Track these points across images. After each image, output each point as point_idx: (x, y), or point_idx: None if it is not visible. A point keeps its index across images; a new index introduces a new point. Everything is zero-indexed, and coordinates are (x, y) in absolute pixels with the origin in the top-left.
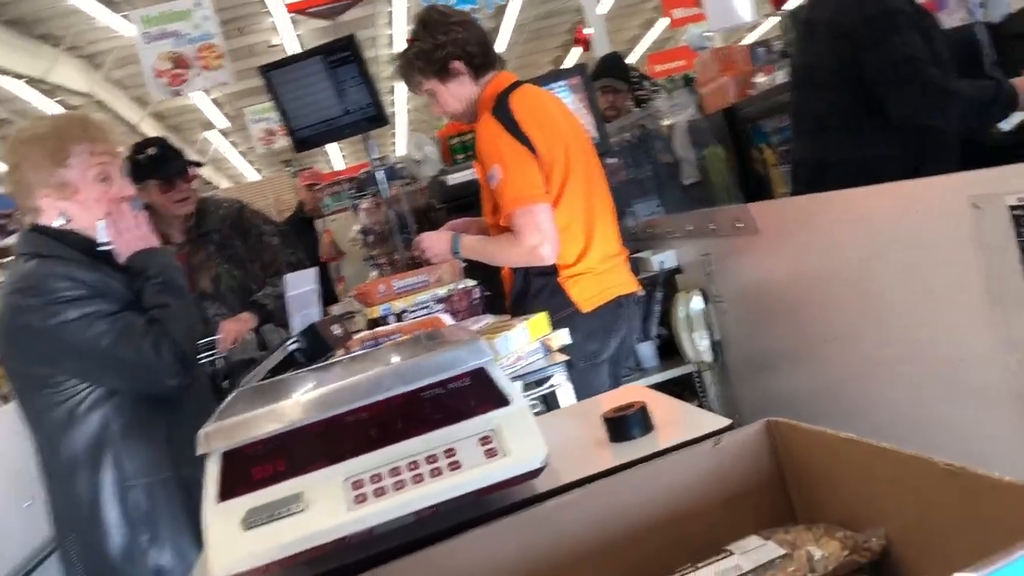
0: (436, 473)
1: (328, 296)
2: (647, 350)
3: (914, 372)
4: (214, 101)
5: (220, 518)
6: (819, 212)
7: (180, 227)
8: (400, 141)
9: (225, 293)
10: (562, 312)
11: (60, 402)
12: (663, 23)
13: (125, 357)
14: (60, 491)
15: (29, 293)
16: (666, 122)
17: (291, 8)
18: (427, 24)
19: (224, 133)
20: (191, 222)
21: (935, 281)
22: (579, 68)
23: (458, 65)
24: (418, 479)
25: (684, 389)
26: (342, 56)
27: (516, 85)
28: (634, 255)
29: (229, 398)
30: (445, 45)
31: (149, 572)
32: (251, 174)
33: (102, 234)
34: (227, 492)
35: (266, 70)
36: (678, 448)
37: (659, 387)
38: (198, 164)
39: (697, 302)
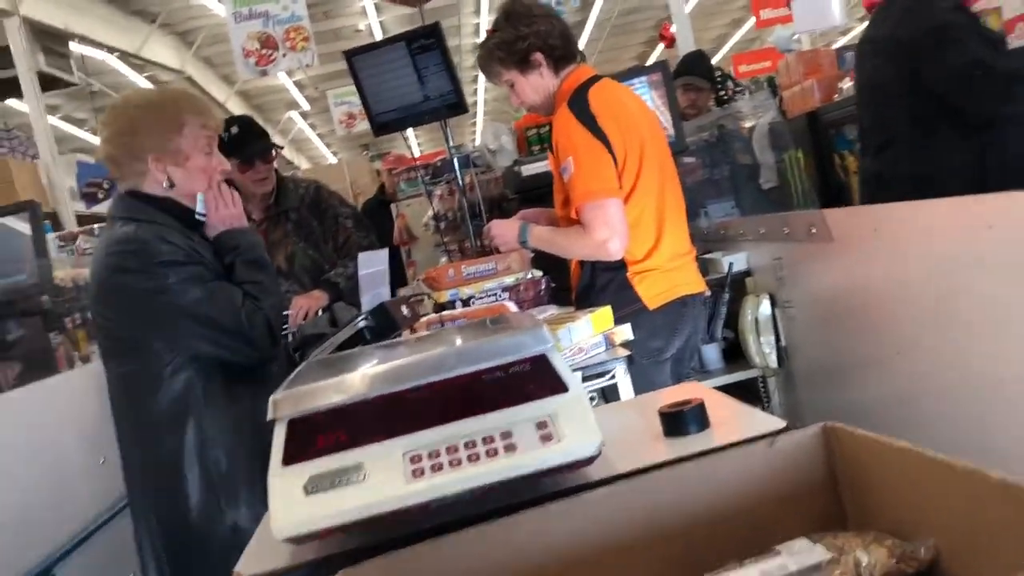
0: (492, 454)
1: (399, 279)
2: (712, 352)
3: (982, 391)
4: (297, 83)
5: (284, 482)
6: (895, 222)
7: (259, 205)
8: (479, 130)
9: (299, 271)
10: (627, 308)
11: (147, 365)
12: (750, 23)
13: (221, 323)
14: (139, 451)
15: (129, 256)
16: (747, 123)
17: None
18: (510, 15)
19: (305, 115)
20: (270, 200)
21: (1010, 299)
22: (660, 65)
23: (539, 57)
24: (474, 458)
25: (748, 394)
26: (426, 43)
27: (595, 79)
28: (704, 255)
29: (299, 368)
30: (527, 36)
31: (226, 531)
32: (330, 156)
33: (201, 205)
34: (291, 457)
35: (350, 55)
36: (733, 447)
37: (722, 390)
38: (279, 147)
39: (766, 306)
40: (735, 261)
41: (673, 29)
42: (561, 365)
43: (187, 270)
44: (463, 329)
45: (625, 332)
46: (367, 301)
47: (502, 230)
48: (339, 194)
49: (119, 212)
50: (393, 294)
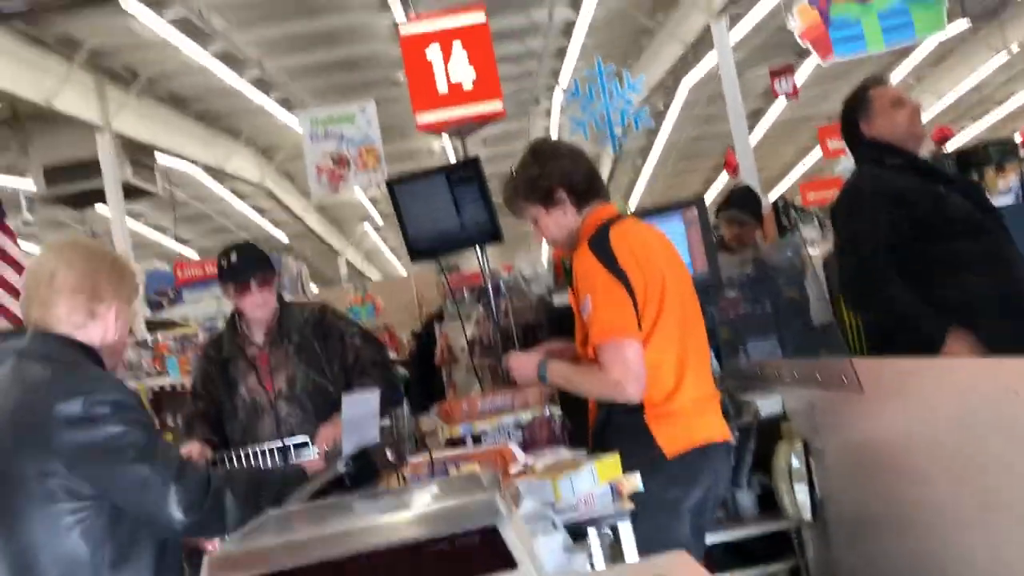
0: None
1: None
2: (746, 499)
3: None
4: (371, 198)
5: None
6: (923, 377)
7: (261, 328)
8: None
9: (300, 395)
10: (643, 454)
11: (57, 511)
12: (818, 151)
13: (146, 472)
14: None
15: (73, 391)
16: (813, 251)
17: (421, 128)
18: (536, 153)
19: (378, 228)
20: (272, 323)
21: None
22: (696, 201)
23: (562, 194)
24: None
25: (783, 546)
26: (465, 175)
27: (618, 218)
28: (739, 395)
29: (259, 519)
30: (551, 174)
31: None
32: (401, 269)
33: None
34: None
35: (392, 183)
36: None
37: (755, 542)
38: (274, 274)
39: (799, 453)
40: (769, 404)
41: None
42: (512, 539)
43: (131, 414)
44: (425, 490)
45: (634, 482)
46: (349, 445)
47: (521, 364)
48: (346, 315)
49: (54, 353)
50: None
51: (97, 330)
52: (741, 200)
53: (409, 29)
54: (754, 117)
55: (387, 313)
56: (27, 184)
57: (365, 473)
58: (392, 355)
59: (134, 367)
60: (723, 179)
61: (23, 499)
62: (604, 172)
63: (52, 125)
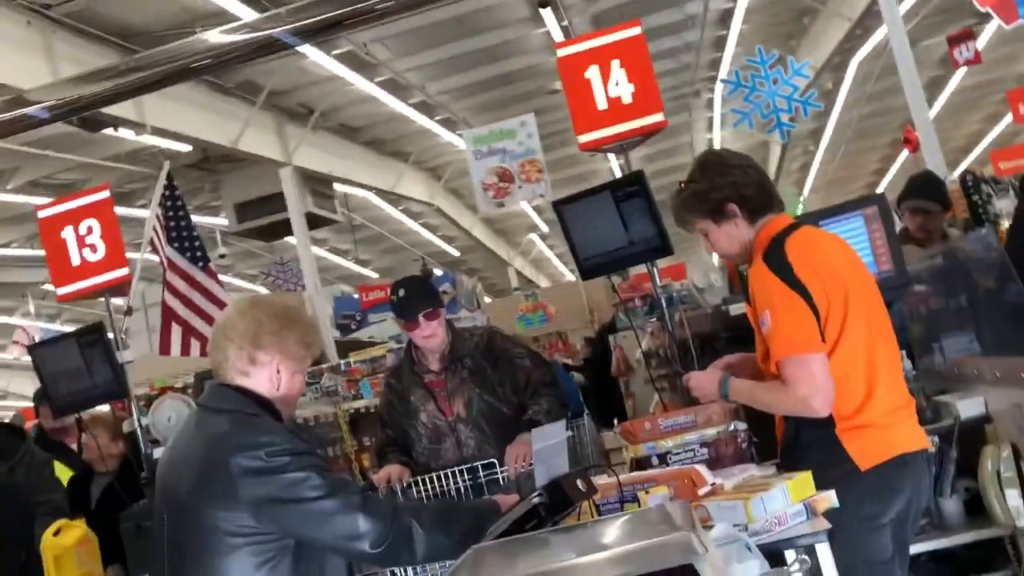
0: None
1: (617, 412)
2: (952, 506)
3: None
4: (536, 208)
5: None
6: None
7: (435, 356)
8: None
9: (476, 417)
10: (837, 468)
11: (247, 552)
12: (1008, 117)
13: (331, 508)
14: None
15: (250, 445)
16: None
17: (583, 147)
18: (704, 166)
19: (544, 236)
20: (445, 350)
21: None
22: (875, 198)
23: (733, 207)
24: None
25: (996, 553)
26: (630, 191)
27: (793, 228)
28: (936, 397)
29: (465, 555)
30: (721, 188)
31: None
32: (568, 275)
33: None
34: None
35: (558, 204)
36: None
37: (965, 549)
38: (440, 305)
39: (1008, 458)
40: (970, 406)
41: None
42: (710, 574)
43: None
44: (617, 526)
45: (829, 499)
46: (541, 475)
47: (701, 382)
48: (513, 337)
49: (229, 404)
50: (610, 423)
51: (262, 379)
52: (923, 188)
53: (566, 51)
54: (933, 88)
55: (559, 319)
56: (220, 221)
57: (558, 503)
58: (567, 360)
59: (330, 392)
60: (903, 156)
61: (215, 544)
62: (773, 160)
63: (239, 165)
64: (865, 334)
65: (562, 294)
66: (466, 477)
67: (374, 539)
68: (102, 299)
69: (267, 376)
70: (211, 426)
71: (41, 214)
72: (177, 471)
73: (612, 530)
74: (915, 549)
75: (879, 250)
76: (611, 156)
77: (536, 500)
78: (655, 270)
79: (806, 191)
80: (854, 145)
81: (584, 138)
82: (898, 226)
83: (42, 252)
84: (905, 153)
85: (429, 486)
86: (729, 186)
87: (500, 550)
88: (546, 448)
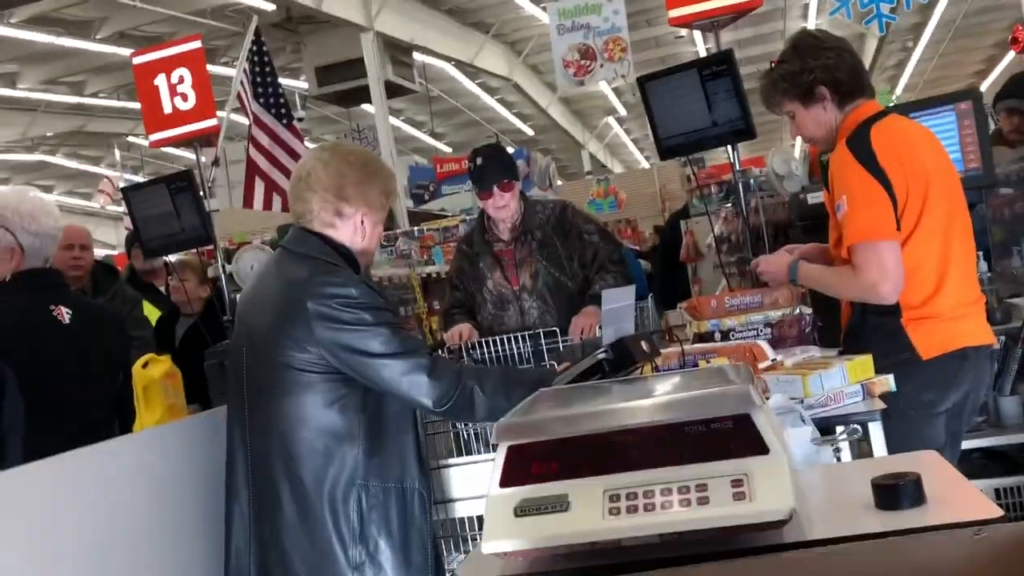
0: (685, 503)
1: (680, 299)
2: (1010, 405)
3: None
4: (615, 89)
5: (498, 502)
6: None
7: (506, 226)
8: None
9: (541, 288)
10: (898, 355)
11: (319, 390)
12: None
13: (400, 367)
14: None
15: (327, 293)
16: None
17: (672, 22)
18: (798, 46)
19: (621, 120)
20: (516, 221)
21: None
22: (970, 93)
23: (823, 90)
24: (668, 505)
25: None
26: (718, 70)
27: (881, 115)
28: (1010, 299)
29: (532, 396)
30: (813, 69)
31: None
32: (643, 161)
33: None
34: (507, 481)
35: (643, 80)
36: (939, 528)
37: (1018, 450)
38: (515, 177)
39: None
40: None
41: None
42: (765, 426)
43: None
44: (681, 377)
45: (887, 383)
46: (608, 335)
47: (771, 265)
48: (585, 213)
49: (312, 250)
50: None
51: (347, 231)
52: (1021, 87)
53: None
54: None
55: (629, 206)
56: (301, 84)
57: (623, 362)
58: (634, 247)
59: (404, 256)
60: (1008, 58)
61: (290, 380)
62: (868, 55)
63: (321, 27)
64: (942, 227)
65: (635, 181)
66: (528, 343)
67: (437, 398)
68: (185, 155)
69: (352, 227)
70: (291, 270)
71: (135, 60)
72: (257, 309)
73: (672, 381)
74: (968, 444)
75: (968, 147)
76: (697, 39)
77: (601, 355)
78: (736, 153)
79: (899, 90)
80: (955, 44)
81: (675, 12)
82: (992, 128)
83: (129, 104)
84: (1011, 55)
85: (492, 349)
86: (821, 68)
87: (561, 392)
88: (615, 310)
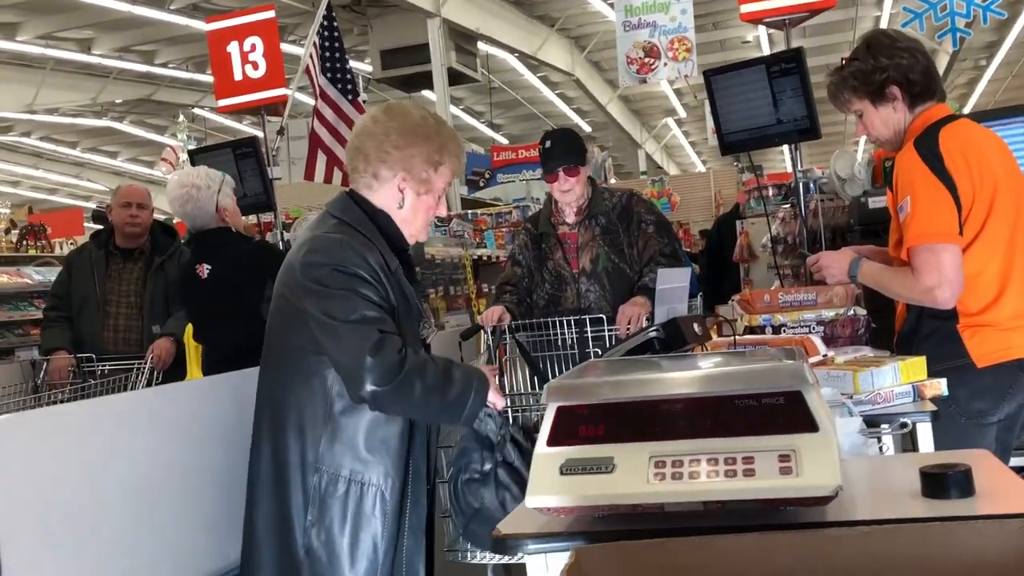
0: (731, 474)
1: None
2: None
3: None
4: (677, 91)
5: (545, 460)
6: None
7: (572, 209)
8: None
9: (600, 273)
10: (952, 361)
11: (305, 357)
12: None
13: (350, 342)
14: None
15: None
16: None
17: (744, 17)
18: (871, 45)
19: (680, 122)
20: (582, 205)
21: None
22: None
23: (895, 90)
24: (713, 474)
25: None
26: (786, 67)
27: (951, 118)
28: None
29: (583, 363)
30: (886, 68)
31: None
32: (699, 164)
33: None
34: (555, 440)
35: (709, 74)
36: (984, 518)
37: None
38: (581, 163)
39: None
40: None
41: None
42: (816, 404)
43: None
44: (734, 355)
45: (940, 387)
46: (661, 314)
47: (832, 260)
48: (649, 202)
49: (337, 211)
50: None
51: (386, 194)
52: None
53: None
54: None
55: (682, 208)
56: (365, 67)
57: (674, 340)
58: (686, 249)
59: (458, 236)
60: None
61: (288, 346)
62: (939, 71)
63: (389, 11)
64: (1007, 235)
65: (690, 183)
66: (573, 328)
67: (376, 380)
68: (248, 130)
69: (391, 192)
70: (310, 231)
71: (209, 27)
72: (281, 273)
73: (729, 358)
74: (1017, 461)
75: None
76: (763, 45)
77: (653, 333)
78: (798, 153)
79: (967, 109)
80: None
81: (747, 7)
82: None
83: (197, 76)
84: None
85: (537, 332)
86: (894, 68)
87: (611, 364)
88: (670, 290)
